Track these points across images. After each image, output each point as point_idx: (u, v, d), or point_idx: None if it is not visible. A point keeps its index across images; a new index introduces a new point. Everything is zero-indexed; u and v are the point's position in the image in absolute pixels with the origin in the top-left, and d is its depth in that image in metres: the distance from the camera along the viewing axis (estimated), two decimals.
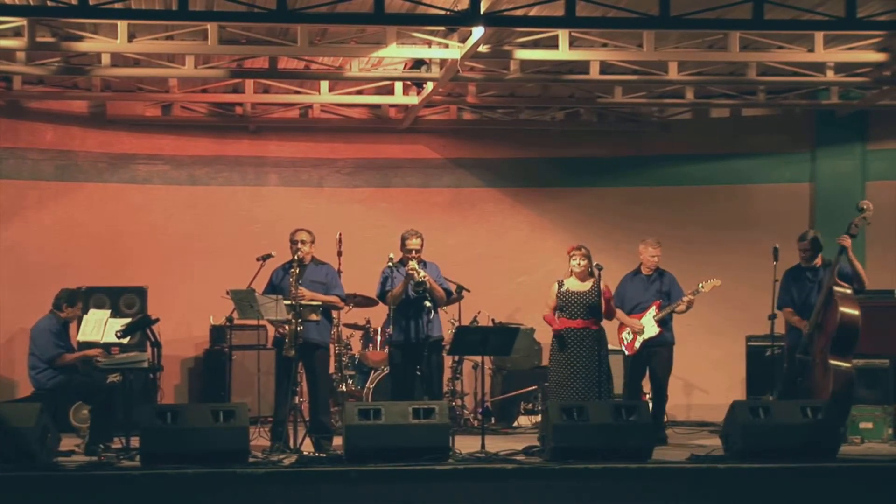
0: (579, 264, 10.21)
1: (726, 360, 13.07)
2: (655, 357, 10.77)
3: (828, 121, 13.65)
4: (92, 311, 10.61)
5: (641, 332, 10.66)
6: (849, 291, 9.80)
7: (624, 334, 10.84)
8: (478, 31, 10.16)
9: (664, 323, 10.72)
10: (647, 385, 11.04)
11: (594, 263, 10.19)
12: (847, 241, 9.83)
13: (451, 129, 14.10)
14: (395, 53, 11.02)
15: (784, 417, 9.13)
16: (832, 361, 9.68)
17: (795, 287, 10.19)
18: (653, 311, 10.72)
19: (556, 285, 10.30)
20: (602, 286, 10.15)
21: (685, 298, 10.67)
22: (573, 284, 10.27)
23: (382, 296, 10.27)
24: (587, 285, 10.21)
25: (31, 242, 13.13)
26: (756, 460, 8.82)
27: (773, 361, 10.31)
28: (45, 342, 10.10)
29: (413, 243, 10.13)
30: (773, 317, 10.06)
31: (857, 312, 9.71)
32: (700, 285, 10.69)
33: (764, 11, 9.47)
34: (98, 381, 10.31)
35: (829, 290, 9.79)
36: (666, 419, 11.50)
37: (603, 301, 10.16)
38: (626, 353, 10.84)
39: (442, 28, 10.66)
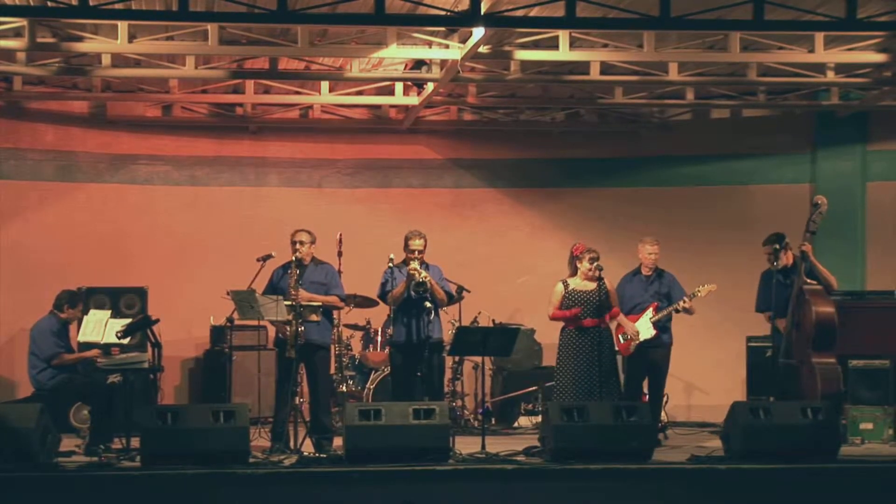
0: (596, 267, 10.16)
1: (727, 360, 13.05)
2: (651, 358, 10.72)
3: (828, 121, 13.63)
4: (92, 312, 10.59)
5: (636, 335, 10.63)
6: (819, 287, 9.84)
7: (621, 335, 10.81)
8: (478, 32, 10.16)
9: (661, 325, 10.69)
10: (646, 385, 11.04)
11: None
12: (807, 247, 9.87)
13: (452, 129, 14.09)
14: (396, 54, 11.02)
15: (784, 418, 9.13)
16: (815, 361, 9.70)
17: (767, 290, 10.19)
18: (649, 313, 10.68)
19: (561, 286, 10.28)
20: (608, 286, 10.16)
21: (681, 304, 10.60)
22: (579, 284, 10.25)
23: (383, 296, 10.26)
24: (593, 285, 10.20)
25: (32, 243, 13.12)
26: (756, 461, 8.82)
27: (773, 362, 10.30)
28: (46, 341, 10.10)
29: (416, 244, 10.12)
30: (773, 318, 10.07)
31: (830, 309, 9.76)
32: (697, 289, 10.65)
33: (764, 12, 9.46)
34: (98, 381, 10.30)
35: (799, 290, 9.83)
36: (665, 420, 11.48)
37: (612, 300, 10.19)
38: (622, 353, 10.82)
39: (442, 29, 10.65)
